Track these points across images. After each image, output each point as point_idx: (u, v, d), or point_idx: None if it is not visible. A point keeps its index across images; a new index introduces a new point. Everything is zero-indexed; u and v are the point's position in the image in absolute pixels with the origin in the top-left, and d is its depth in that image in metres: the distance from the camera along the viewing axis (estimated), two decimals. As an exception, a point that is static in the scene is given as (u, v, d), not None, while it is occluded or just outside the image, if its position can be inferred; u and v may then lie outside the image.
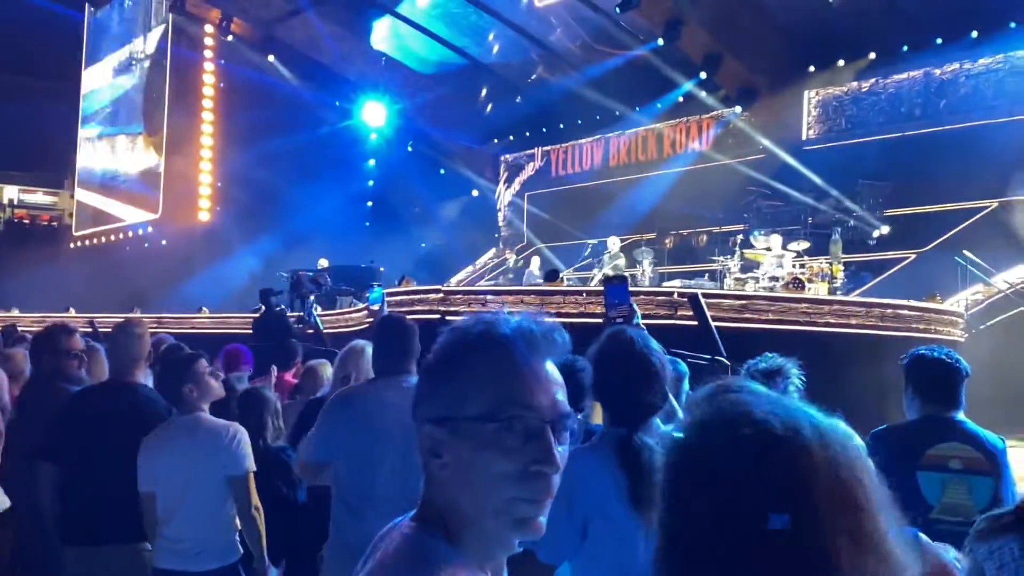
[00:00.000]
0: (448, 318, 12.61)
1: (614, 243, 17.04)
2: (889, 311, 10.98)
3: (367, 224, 26.90)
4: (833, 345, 9.95)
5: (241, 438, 3.99)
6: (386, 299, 13.68)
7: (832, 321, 10.59)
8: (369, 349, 4.33)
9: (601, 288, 13.91)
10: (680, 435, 1.04)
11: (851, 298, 12.30)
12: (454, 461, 1.20)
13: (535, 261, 19.18)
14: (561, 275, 16.09)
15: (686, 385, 3.85)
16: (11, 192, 43.29)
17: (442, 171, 25.65)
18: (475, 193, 25.59)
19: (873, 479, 0.98)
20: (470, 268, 24.16)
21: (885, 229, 16.08)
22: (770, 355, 3.71)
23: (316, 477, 3.96)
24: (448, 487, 1.21)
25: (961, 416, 3.34)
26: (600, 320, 11.08)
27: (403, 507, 1.32)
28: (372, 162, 27.07)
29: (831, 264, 14.09)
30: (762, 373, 3.54)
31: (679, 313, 10.37)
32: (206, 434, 3.96)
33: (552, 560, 2.67)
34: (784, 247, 14.35)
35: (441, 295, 13.27)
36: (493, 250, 24.90)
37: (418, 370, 4.19)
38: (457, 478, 1.20)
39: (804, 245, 14.76)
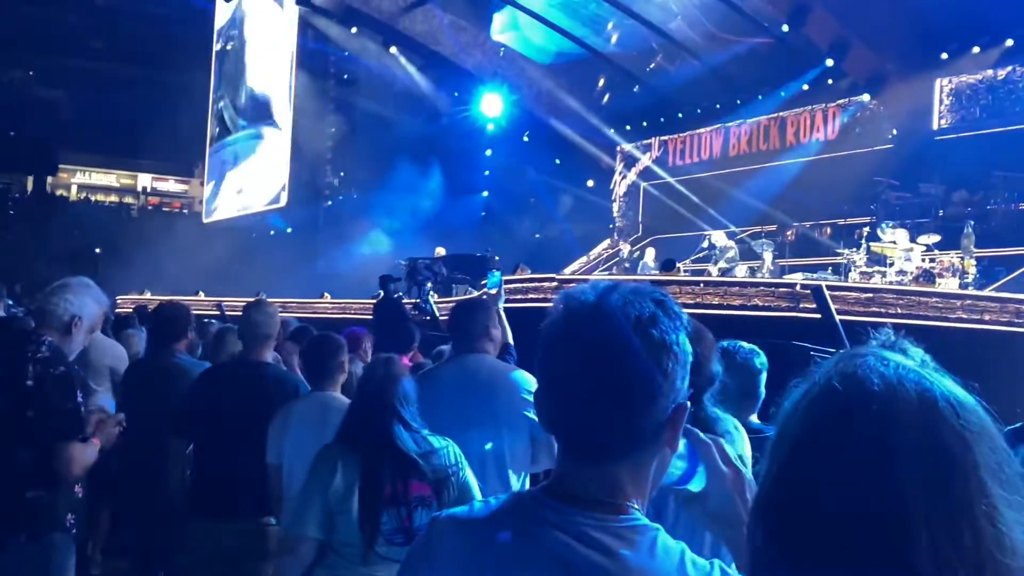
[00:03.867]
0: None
1: (719, 237, 16.78)
2: (1025, 307, 10.45)
3: (483, 214, 27.14)
4: (964, 341, 9.54)
5: None
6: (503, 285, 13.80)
7: (964, 316, 10.15)
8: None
9: (719, 279, 13.72)
10: (800, 403, 0.98)
11: (984, 293, 11.76)
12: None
13: (650, 252, 19.00)
14: (678, 265, 15.91)
15: (762, 379, 3.62)
16: (144, 180, 45.40)
17: (558, 161, 25.64)
18: (591, 183, 25.49)
19: (1013, 462, 0.92)
20: (584, 259, 24.10)
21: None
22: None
23: None
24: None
25: None
26: (716, 311, 10.91)
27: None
28: (489, 152, 27.27)
29: (963, 258, 13.49)
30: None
31: (802, 305, 10.11)
32: (337, 413, 4.01)
33: None
34: (913, 240, 13.83)
35: (555, 283, 13.28)
36: (607, 241, 24.78)
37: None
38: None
39: (935, 238, 14.18)
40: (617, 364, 1.26)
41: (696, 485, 1.39)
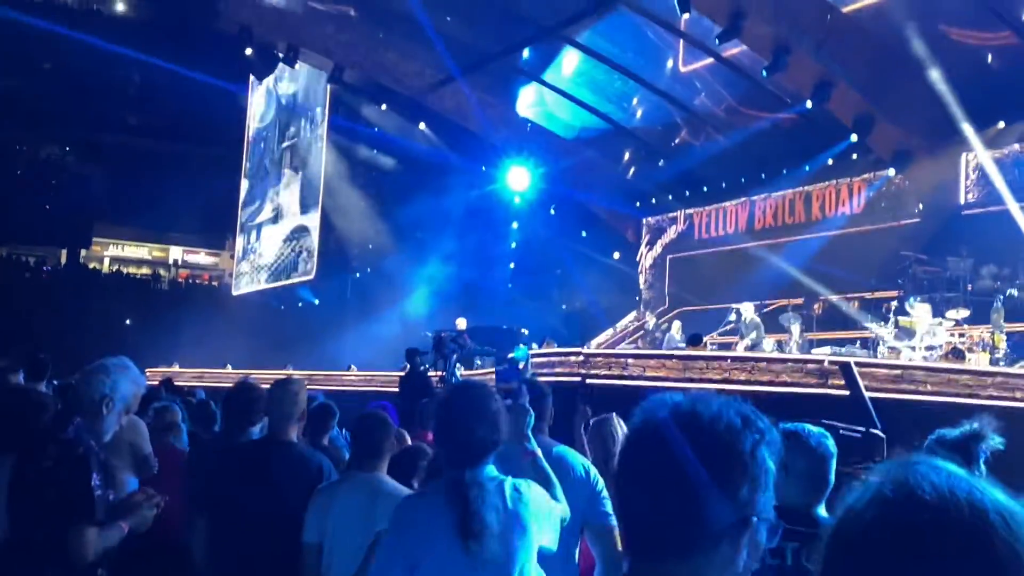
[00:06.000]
0: (588, 381, 12.56)
1: (746, 311, 16.73)
2: (1059, 385, 10.28)
3: (509, 286, 27.22)
4: (996, 420, 9.37)
5: None
6: (530, 359, 13.80)
7: (995, 394, 10.00)
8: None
9: (746, 355, 13.64)
10: (853, 508, 1.00)
11: (1016, 370, 11.60)
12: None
13: (676, 325, 18.95)
14: (704, 340, 15.84)
15: (832, 465, 3.51)
16: (176, 253, 46.06)
17: (584, 234, 25.78)
18: (617, 256, 25.56)
19: None
20: (610, 331, 24.05)
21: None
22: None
23: None
24: None
25: None
26: (744, 387, 10.81)
27: None
28: (515, 225, 27.48)
29: (993, 333, 13.35)
30: (958, 440, 3.27)
31: (830, 382, 10.02)
32: (387, 496, 3.90)
33: None
34: (942, 315, 13.72)
35: (582, 358, 13.25)
36: (634, 313, 24.73)
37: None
38: None
39: (964, 313, 14.07)
40: (673, 464, 1.29)
41: None
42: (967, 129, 16.16)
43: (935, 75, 15.39)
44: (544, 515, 2.91)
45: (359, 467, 4.15)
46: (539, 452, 3.76)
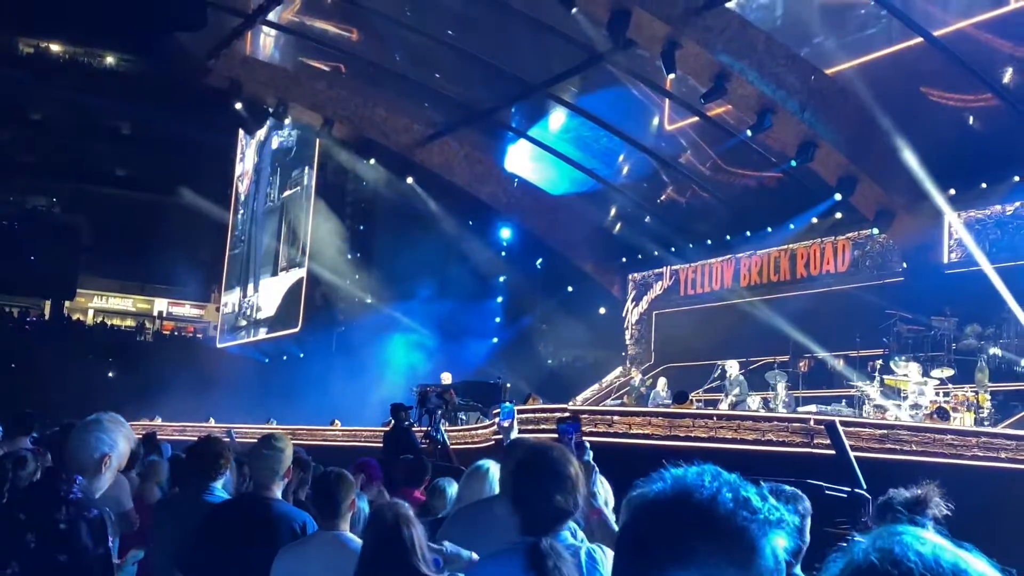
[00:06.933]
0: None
1: (731, 368, 16.71)
2: (1044, 445, 10.29)
3: (495, 340, 27.19)
4: (980, 481, 9.36)
5: None
6: (516, 416, 13.74)
7: (980, 455, 10.00)
8: (495, 470, 4.31)
9: (732, 413, 13.62)
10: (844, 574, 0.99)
11: (1000, 430, 11.62)
12: None
13: (662, 381, 18.91)
14: (690, 397, 15.81)
15: (808, 525, 3.52)
16: (161, 305, 45.85)
17: (570, 288, 25.83)
18: (602, 311, 25.59)
19: None
20: (596, 387, 23.99)
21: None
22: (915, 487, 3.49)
23: None
24: None
25: None
26: (730, 446, 10.78)
27: None
28: (502, 279, 27.54)
29: (977, 393, 13.39)
30: (903, 505, 3.32)
31: (816, 442, 10.00)
32: (351, 555, 3.84)
33: None
34: (927, 374, 13.75)
35: (568, 414, 13.19)
36: (620, 368, 24.70)
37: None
38: None
39: (948, 372, 14.10)
40: (645, 533, 1.27)
41: None
42: (938, 198, 16.38)
43: (905, 150, 15.68)
44: None
45: (320, 526, 4.12)
46: (606, 510, 3.71)
